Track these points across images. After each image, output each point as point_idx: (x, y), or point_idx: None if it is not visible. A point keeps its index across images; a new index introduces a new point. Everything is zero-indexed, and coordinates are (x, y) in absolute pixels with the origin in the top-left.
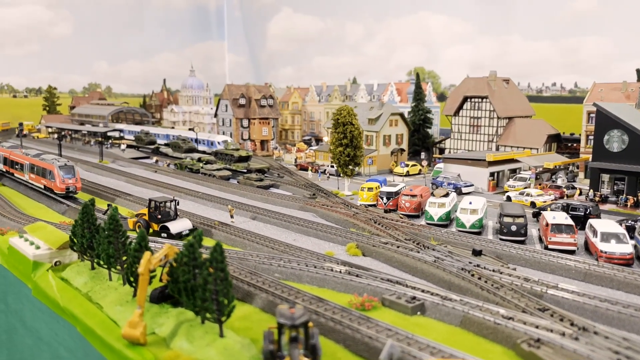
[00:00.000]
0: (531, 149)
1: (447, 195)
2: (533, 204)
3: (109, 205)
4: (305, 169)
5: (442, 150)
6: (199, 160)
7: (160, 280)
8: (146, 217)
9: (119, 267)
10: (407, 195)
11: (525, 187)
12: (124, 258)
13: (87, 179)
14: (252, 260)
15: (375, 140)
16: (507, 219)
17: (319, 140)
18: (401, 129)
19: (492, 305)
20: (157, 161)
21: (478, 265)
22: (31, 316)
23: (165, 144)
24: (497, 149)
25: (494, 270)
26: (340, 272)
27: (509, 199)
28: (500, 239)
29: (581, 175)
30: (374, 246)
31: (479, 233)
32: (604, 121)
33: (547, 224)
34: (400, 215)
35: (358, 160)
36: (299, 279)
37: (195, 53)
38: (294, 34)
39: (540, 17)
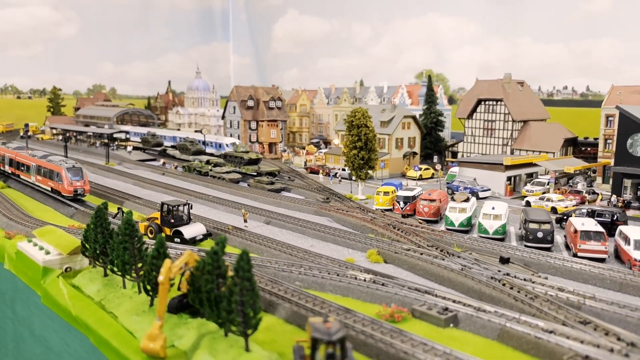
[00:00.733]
0: (547, 152)
1: (467, 200)
2: (554, 210)
3: (119, 208)
4: (316, 172)
5: (454, 154)
6: (208, 162)
7: (179, 289)
8: (158, 222)
9: (134, 275)
10: (426, 199)
11: (544, 192)
12: (140, 265)
13: (94, 182)
14: (272, 267)
15: (387, 143)
16: (532, 225)
17: (327, 143)
18: (413, 132)
19: (530, 317)
20: (164, 163)
21: (508, 274)
22: (40, 324)
23: (172, 146)
24: (512, 152)
25: (525, 280)
26: (365, 280)
27: (528, 204)
28: (526, 246)
29: (598, 179)
30: (396, 253)
31: (501, 239)
32: (628, 124)
33: (575, 231)
34: (420, 221)
35: (372, 163)
36: (321, 287)
37: (200, 55)
38: (300, 36)
39: (551, 19)
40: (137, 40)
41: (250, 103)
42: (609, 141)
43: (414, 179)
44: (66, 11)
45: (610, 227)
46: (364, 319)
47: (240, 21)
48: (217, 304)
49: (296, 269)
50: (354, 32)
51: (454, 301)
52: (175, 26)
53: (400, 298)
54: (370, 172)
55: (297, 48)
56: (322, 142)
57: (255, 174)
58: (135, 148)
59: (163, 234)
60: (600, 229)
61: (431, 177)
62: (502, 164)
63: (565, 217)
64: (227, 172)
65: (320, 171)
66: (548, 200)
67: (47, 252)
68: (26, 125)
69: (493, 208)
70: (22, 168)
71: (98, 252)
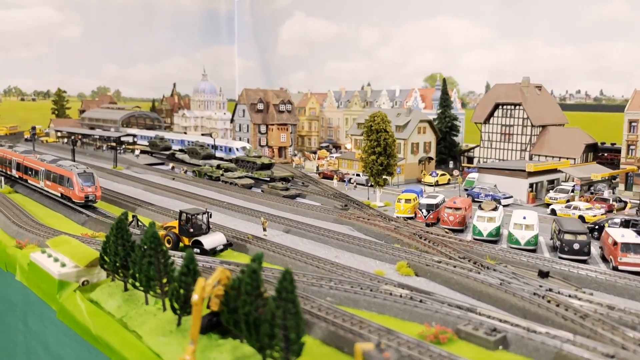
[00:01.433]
0: (568, 158)
1: (495, 208)
2: (582, 218)
3: (133, 216)
4: (329, 178)
5: (470, 159)
6: (219, 167)
7: (208, 307)
8: (176, 231)
9: (158, 291)
10: (451, 207)
11: (568, 200)
12: (165, 280)
13: (104, 187)
14: (300, 281)
15: (403, 148)
16: (568, 236)
17: (337, 147)
18: (429, 137)
19: (585, 339)
20: (173, 168)
21: (551, 290)
22: (55, 341)
23: (181, 150)
24: (531, 158)
25: (570, 296)
26: (401, 296)
27: (553, 212)
28: (560, 258)
29: (621, 186)
30: (427, 265)
31: (533, 250)
32: None
33: (614, 243)
34: (446, 230)
35: (391, 169)
36: (355, 304)
37: (204, 57)
38: (306, 39)
39: (564, 22)
40: (141, 42)
41: (260, 106)
42: (632, 147)
43: (430, 185)
44: (70, 13)
45: None
46: (409, 342)
47: (246, 23)
48: (256, 328)
49: (326, 282)
50: (361, 35)
51: (500, 320)
52: (180, 28)
53: (441, 316)
54: (388, 178)
55: (303, 51)
56: (331, 146)
57: (268, 179)
58: (142, 151)
59: (181, 244)
60: None
61: (447, 183)
62: (524, 170)
63: (596, 227)
64: (239, 178)
65: (334, 176)
66: (575, 208)
67: (63, 265)
68: (33, 128)
69: (524, 217)
70: (30, 172)
71: (118, 265)
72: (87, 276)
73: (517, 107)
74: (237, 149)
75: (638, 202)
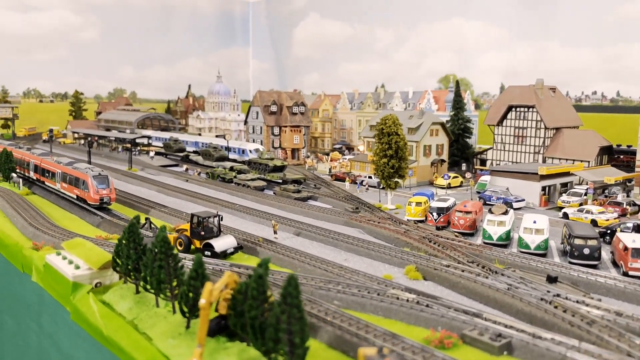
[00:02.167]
0: (582, 161)
1: (506, 212)
2: (594, 222)
3: (146, 219)
4: (342, 180)
5: (483, 162)
6: (232, 169)
7: (216, 310)
8: (187, 233)
9: (168, 294)
10: (461, 211)
11: (581, 203)
12: (175, 284)
13: (118, 188)
14: (308, 284)
15: (415, 151)
16: (578, 241)
17: (350, 148)
18: (442, 139)
19: (591, 346)
20: (187, 169)
21: (558, 295)
22: (68, 342)
23: (194, 152)
24: (544, 161)
25: (577, 302)
26: (408, 300)
27: (565, 215)
28: (570, 263)
29: (636, 190)
30: (436, 269)
31: (543, 255)
32: None
33: (625, 248)
34: (456, 234)
35: (403, 172)
36: (362, 307)
37: (219, 59)
38: (321, 40)
39: (581, 23)
40: (158, 45)
41: (274, 108)
42: None
43: (442, 188)
44: (88, 15)
45: None
46: (414, 346)
47: (260, 25)
48: (261, 332)
49: (334, 286)
50: (376, 37)
51: (505, 326)
52: (195, 30)
53: (447, 321)
54: (399, 181)
55: (317, 52)
56: (345, 148)
57: (280, 181)
58: (157, 153)
59: (192, 247)
60: None
61: (459, 186)
62: (537, 174)
63: (608, 232)
64: (252, 180)
65: (347, 179)
66: (587, 212)
67: (77, 267)
68: (50, 130)
69: (535, 222)
70: (47, 175)
71: (130, 268)
72: (100, 278)
73: (531, 109)
74: (250, 151)
75: None
